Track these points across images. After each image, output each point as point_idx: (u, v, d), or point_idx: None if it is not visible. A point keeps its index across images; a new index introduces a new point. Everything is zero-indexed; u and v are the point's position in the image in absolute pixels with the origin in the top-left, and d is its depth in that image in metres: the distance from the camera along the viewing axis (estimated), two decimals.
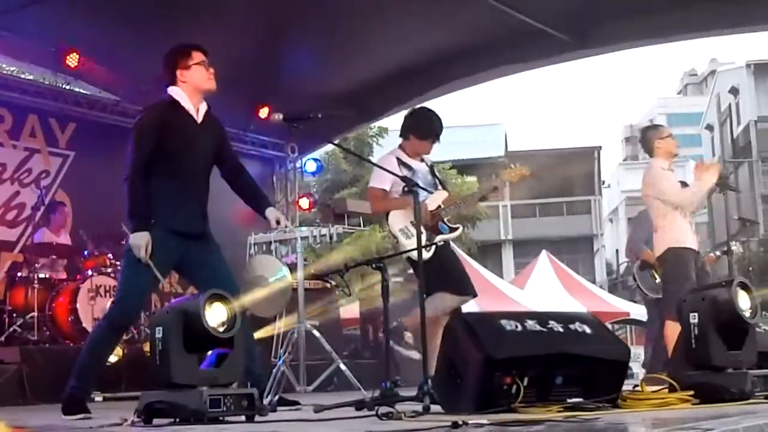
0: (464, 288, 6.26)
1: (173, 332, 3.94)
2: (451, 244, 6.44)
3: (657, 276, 8.45)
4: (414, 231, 6.05)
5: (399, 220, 6.20)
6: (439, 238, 6.16)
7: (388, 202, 6.26)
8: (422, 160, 6.50)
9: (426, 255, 5.88)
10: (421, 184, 5.38)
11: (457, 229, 6.33)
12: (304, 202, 13.50)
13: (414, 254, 5.82)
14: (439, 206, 6.27)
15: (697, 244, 7.06)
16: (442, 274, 6.02)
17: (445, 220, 6.27)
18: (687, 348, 4.53)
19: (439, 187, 6.42)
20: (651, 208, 7.10)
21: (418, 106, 6.91)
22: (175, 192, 4.99)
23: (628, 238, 9.09)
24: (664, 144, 7.09)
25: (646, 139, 7.26)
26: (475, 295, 6.36)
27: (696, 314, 4.49)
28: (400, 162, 6.26)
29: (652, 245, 8.55)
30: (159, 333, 3.96)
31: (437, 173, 6.58)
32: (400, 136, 6.54)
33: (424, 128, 6.47)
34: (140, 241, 4.83)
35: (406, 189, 6.09)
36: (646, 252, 8.50)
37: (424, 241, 5.78)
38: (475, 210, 25.96)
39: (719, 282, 4.99)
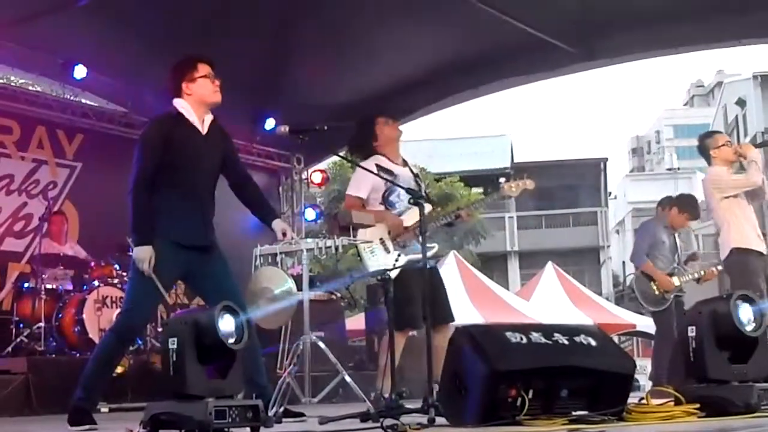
0: (408, 321, 5.83)
1: (187, 343, 3.95)
2: (431, 262, 6.16)
3: (656, 289, 8.41)
4: (381, 249, 5.95)
5: (367, 237, 5.90)
6: (404, 260, 5.70)
7: (361, 216, 5.89)
8: (406, 164, 6.29)
9: (392, 273, 5.33)
10: (403, 191, 5.27)
11: (432, 248, 6.00)
12: (310, 214, 13.54)
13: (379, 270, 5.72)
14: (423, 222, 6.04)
15: (765, 247, 7.03)
16: (394, 306, 5.44)
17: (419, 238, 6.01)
18: (686, 361, 4.53)
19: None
20: (715, 211, 7.09)
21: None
22: (180, 205, 5.00)
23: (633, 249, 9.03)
24: (720, 153, 7.12)
25: (703, 147, 7.28)
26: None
27: (694, 328, 4.48)
28: (380, 168, 6.02)
29: (653, 256, 8.53)
30: (173, 344, 3.95)
31: (421, 181, 6.28)
32: (373, 148, 6.19)
33: (371, 124, 6.25)
34: (144, 255, 4.85)
35: (386, 194, 6.01)
36: (646, 264, 8.46)
37: (391, 262, 5.66)
38: (476, 221, 25.72)
39: (720, 295, 4.99)
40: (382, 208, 6.10)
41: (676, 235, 8.76)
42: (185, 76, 5.09)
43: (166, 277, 4.97)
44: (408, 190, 5.19)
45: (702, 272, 8.61)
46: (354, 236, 5.77)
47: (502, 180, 6.49)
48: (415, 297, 5.55)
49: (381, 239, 5.97)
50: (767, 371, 4.55)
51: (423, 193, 5.53)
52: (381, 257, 5.86)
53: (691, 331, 4.48)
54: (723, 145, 7.17)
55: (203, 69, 5.11)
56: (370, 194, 6.09)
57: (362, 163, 6.09)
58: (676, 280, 8.42)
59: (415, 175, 6.28)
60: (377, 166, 6.03)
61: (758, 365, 4.52)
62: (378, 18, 9.92)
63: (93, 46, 9.80)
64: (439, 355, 4.46)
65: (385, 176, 5.93)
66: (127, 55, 9.89)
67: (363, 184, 6.06)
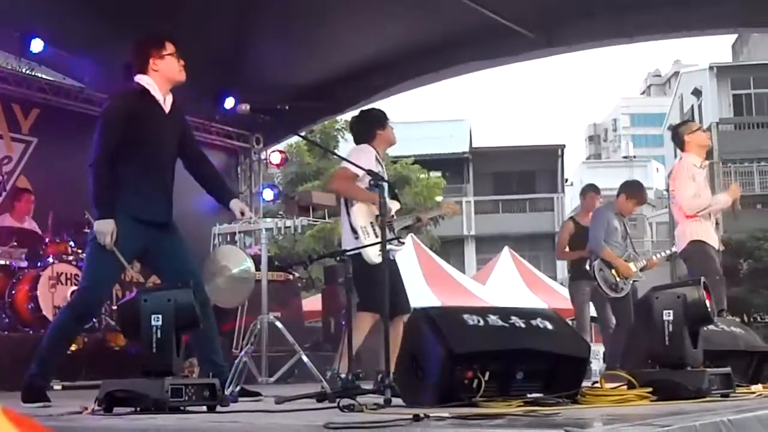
0: (378, 305, 5.85)
1: (170, 321, 3.93)
2: (392, 254, 6.24)
3: (616, 275, 8.50)
4: (371, 232, 6.06)
5: (362, 217, 6.13)
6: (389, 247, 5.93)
7: (355, 187, 6.16)
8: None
9: (378, 259, 5.77)
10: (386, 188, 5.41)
11: (403, 243, 6.34)
12: (268, 194, 13.49)
13: (365, 255, 5.87)
14: (393, 216, 6.26)
15: (718, 243, 7.10)
16: (369, 290, 5.80)
17: (395, 232, 6.22)
18: (658, 346, 4.54)
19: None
20: (673, 202, 7.15)
21: (360, 110, 6.92)
22: (142, 181, 4.99)
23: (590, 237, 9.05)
24: (694, 138, 7.12)
25: (676, 135, 7.30)
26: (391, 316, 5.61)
27: (671, 312, 4.51)
28: (377, 159, 6.24)
29: (608, 243, 8.60)
30: (157, 320, 3.94)
31: (390, 182, 6.52)
32: (364, 142, 6.44)
33: (382, 117, 6.54)
34: (105, 228, 4.83)
35: (372, 184, 6.13)
36: (605, 251, 8.53)
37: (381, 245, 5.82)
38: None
39: (686, 281, 5.05)
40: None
41: (626, 221, 8.89)
42: (153, 53, 5.06)
43: (126, 252, 4.97)
44: (390, 186, 5.29)
45: (644, 261, 8.71)
46: (314, 216, 5.85)
47: (440, 198, 6.76)
48: (384, 283, 5.61)
49: (371, 222, 6.09)
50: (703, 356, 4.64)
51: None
52: (372, 240, 5.94)
53: (667, 315, 4.50)
54: (696, 130, 7.23)
55: (170, 47, 5.10)
56: (362, 177, 6.15)
57: (363, 148, 6.36)
58: (632, 266, 8.52)
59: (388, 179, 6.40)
60: (375, 158, 6.22)
61: (701, 350, 4.61)
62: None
63: (51, 20, 9.65)
64: (397, 345, 4.49)
65: (379, 169, 6.05)
66: (85, 29, 9.76)
67: (361, 163, 5.99)
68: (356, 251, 5.80)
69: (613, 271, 8.49)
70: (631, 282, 8.51)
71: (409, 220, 6.55)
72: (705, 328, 4.72)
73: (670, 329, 4.50)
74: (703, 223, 7.01)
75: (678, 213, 7.13)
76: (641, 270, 8.68)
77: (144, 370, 3.97)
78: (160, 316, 3.95)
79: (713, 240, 7.04)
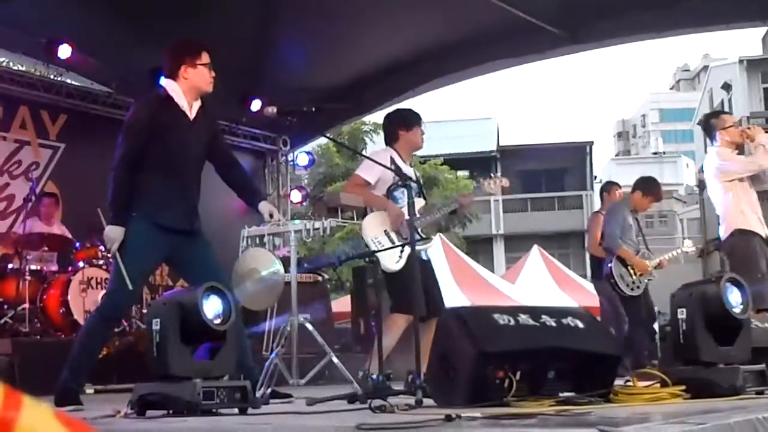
0: (413, 308, 5.99)
1: (170, 324, 3.96)
2: (425, 254, 6.28)
3: (633, 273, 8.38)
4: (385, 241, 6.02)
5: (373, 227, 6.05)
6: (408, 251, 5.84)
7: (367, 194, 6.12)
8: (411, 165, 6.45)
9: (397, 266, 5.84)
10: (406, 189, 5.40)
11: (429, 239, 6.28)
12: (296, 196, 13.53)
13: (382, 264, 5.84)
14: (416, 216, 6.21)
15: (765, 231, 6.93)
16: (399, 292, 5.84)
17: (419, 230, 6.13)
18: (675, 343, 4.54)
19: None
20: (716, 192, 6.97)
21: (394, 109, 6.85)
22: (165, 188, 5.00)
23: (602, 233, 8.89)
24: (728, 134, 6.97)
25: (709, 127, 7.16)
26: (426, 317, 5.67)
27: (684, 310, 4.50)
28: (393, 161, 6.12)
29: (623, 241, 8.47)
30: (156, 325, 3.98)
31: (420, 180, 6.45)
32: (389, 143, 6.38)
33: (409, 119, 6.44)
34: (115, 234, 4.90)
35: (392, 188, 6.11)
36: (622, 249, 8.40)
37: (396, 251, 5.83)
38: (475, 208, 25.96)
39: (709, 278, 5.00)
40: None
41: (639, 217, 8.76)
42: (187, 60, 5.05)
43: (148, 258, 5.00)
44: (397, 172, 5.26)
45: (657, 260, 8.56)
46: (342, 217, 5.84)
47: (480, 180, 6.64)
48: (414, 284, 5.60)
49: (385, 230, 6.04)
50: (749, 353, 4.58)
51: (419, 191, 5.96)
52: (386, 246, 5.91)
53: (681, 313, 4.49)
54: (730, 126, 7.05)
55: (205, 58, 5.10)
56: (378, 183, 6.13)
57: (378, 152, 6.36)
58: (648, 263, 8.39)
59: (417, 177, 6.34)
60: (391, 159, 6.11)
61: (742, 347, 4.55)
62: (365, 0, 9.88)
63: (78, 26, 9.71)
64: (429, 347, 4.47)
65: (396, 173, 5.97)
66: (112, 34, 9.81)
67: (375, 170, 6.07)
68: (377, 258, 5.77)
69: (630, 269, 8.37)
70: (646, 280, 8.39)
71: (452, 206, 6.51)
72: None
73: (684, 327, 4.48)
74: (748, 209, 6.83)
75: (720, 201, 6.92)
76: (654, 268, 8.55)
77: (155, 374, 4.00)
78: (158, 320, 3.98)
79: (759, 228, 6.85)
